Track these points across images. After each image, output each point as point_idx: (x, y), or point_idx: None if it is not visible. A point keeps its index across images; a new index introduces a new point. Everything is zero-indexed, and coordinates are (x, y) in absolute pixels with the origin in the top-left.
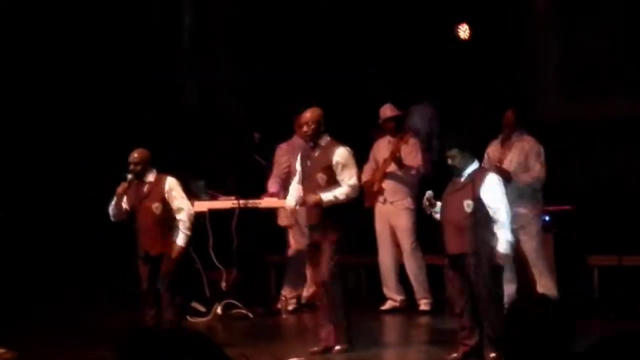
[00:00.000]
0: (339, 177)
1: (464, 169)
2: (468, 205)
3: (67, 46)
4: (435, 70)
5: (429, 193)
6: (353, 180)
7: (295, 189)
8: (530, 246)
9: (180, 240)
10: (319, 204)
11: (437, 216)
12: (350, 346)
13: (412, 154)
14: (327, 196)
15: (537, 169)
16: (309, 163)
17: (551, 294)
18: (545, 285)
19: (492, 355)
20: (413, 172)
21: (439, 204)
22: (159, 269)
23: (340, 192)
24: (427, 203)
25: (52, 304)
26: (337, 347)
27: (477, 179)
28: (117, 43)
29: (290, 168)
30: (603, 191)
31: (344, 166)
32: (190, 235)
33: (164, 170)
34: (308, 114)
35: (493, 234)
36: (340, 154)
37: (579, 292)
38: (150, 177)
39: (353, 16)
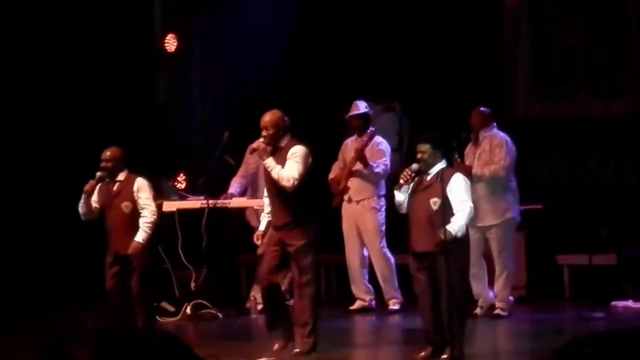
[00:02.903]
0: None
1: (432, 165)
2: (434, 203)
3: (34, 44)
4: (405, 68)
5: (414, 166)
6: (291, 172)
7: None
8: (494, 241)
9: (139, 236)
10: (268, 168)
11: (404, 205)
12: (313, 349)
13: (378, 154)
14: (273, 165)
15: (496, 160)
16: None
17: (503, 296)
18: (501, 287)
19: (444, 356)
20: (378, 169)
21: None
22: (128, 269)
23: (280, 170)
24: (407, 176)
25: (25, 304)
26: (297, 350)
27: (444, 177)
28: (88, 41)
29: (259, 169)
30: (574, 190)
31: (291, 160)
32: (150, 234)
33: (134, 169)
34: (266, 118)
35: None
36: (294, 150)
37: (549, 290)
38: (121, 176)
39: (323, 14)
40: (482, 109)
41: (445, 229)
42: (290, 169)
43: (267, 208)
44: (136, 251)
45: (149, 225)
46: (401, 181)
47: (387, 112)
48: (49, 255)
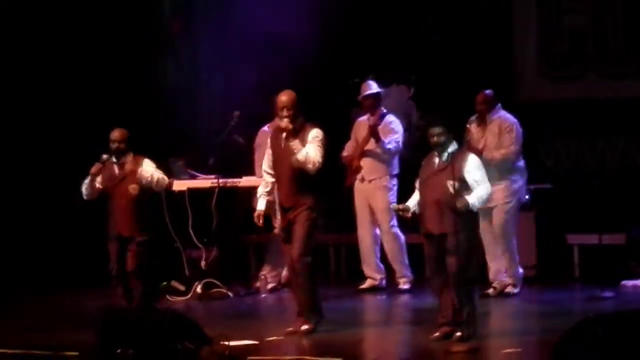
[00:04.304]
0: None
1: (446, 148)
2: (452, 185)
3: (43, 30)
4: (413, 50)
5: (393, 206)
6: (317, 156)
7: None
8: (497, 221)
9: (151, 174)
10: (294, 150)
11: (416, 209)
12: (318, 325)
13: (390, 132)
14: (299, 146)
15: (506, 144)
16: (282, 148)
17: (511, 272)
18: (508, 265)
19: (458, 334)
20: (391, 145)
21: (409, 204)
22: (130, 249)
23: (307, 153)
24: (400, 213)
25: (30, 287)
26: (304, 327)
27: (458, 159)
28: (96, 24)
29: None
30: (582, 172)
31: (313, 143)
32: (157, 181)
33: (144, 149)
34: (284, 98)
35: (472, 214)
36: (315, 134)
37: (559, 270)
38: (128, 157)
39: None
40: (487, 91)
41: (463, 199)
42: (315, 152)
43: (265, 187)
44: (134, 191)
45: (163, 179)
46: (408, 215)
47: (397, 93)
48: (50, 239)
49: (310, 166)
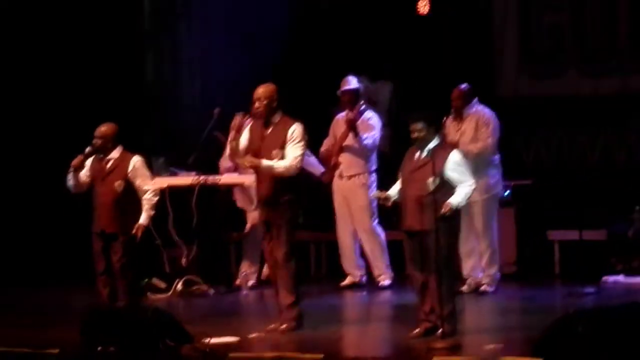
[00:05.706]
0: (286, 151)
1: (427, 143)
2: (431, 182)
3: (25, 26)
4: (394, 46)
5: (374, 193)
6: (294, 160)
7: None
8: (477, 217)
9: (144, 219)
10: (256, 166)
11: (397, 198)
12: (299, 325)
13: (368, 127)
14: (266, 162)
15: (483, 137)
16: (260, 140)
17: (489, 272)
18: (487, 263)
19: (439, 331)
20: (368, 141)
21: (390, 192)
22: (114, 246)
23: (279, 165)
24: (381, 201)
25: (13, 283)
26: (284, 326)
27: (440, 155)
28: (76, 20)
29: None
30: (564, 166)
31: (294, 143)
32: (153, 214)
33: (127, 146)
34: (260, 90)
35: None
36: (294, 129)
37: (539, 266)
38: (115, 153)
39: None
40: (462, 86)
41: (448, 203)
42: (292, 161)
43: None
44: (140, 232)
45: (154, 205)
46: (387, 205)
47: (379, 89)
48: (33, 235)
49: (292, 172)
